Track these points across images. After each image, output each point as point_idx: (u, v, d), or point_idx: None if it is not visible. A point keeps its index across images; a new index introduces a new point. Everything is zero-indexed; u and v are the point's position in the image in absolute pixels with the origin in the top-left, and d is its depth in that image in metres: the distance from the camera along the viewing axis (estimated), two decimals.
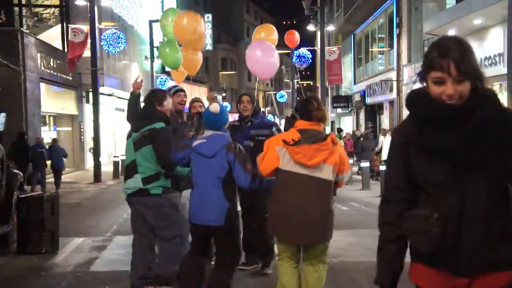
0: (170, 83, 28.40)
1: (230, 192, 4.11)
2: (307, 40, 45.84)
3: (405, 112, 9.51)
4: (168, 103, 4.74)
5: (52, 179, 14.82)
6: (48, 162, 14.57)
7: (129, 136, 4.71)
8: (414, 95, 2.03)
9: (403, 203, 2.01)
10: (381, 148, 16.73)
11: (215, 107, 4.21)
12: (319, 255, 4.03)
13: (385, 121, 23.02)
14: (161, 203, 4.49)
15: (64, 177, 16.16)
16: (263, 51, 5.03)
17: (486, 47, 14.07)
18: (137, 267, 4.61)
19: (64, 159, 15.18)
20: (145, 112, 4.75)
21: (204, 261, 4.38)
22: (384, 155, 16.50)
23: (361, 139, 18.23)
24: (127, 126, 5.12)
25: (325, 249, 4.06)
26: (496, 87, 14.52)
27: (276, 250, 4.13)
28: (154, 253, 4.74)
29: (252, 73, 4.85)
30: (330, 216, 3.94)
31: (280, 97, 47.23)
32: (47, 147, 14.70)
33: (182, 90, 5.60)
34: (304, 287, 4.03)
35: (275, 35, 6.12)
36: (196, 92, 32.16)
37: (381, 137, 17.26)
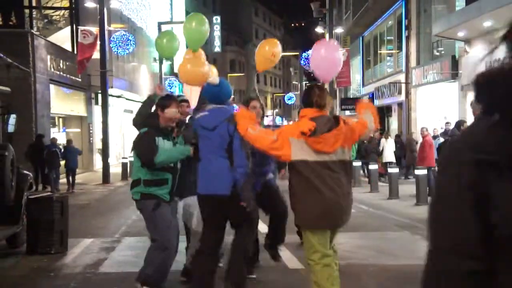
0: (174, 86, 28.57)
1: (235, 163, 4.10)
2: (316, 42, 45.74)
3: (414, 115, 9.30)
4: (170, 111, 4.65)
5: (64, 179, 15.42)
6: (62, 162, 15.31)
7: None
8: (498, 78, 1.10)
9: (475, 278, 1.02)
10: (382, 150, 16.77)
11: (214, 79, 4.25)
12: (334, 242, 4.15)
13: (393, 124, 22.95)
14: (140, 208, 4.71)
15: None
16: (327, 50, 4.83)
17: (496, 49, 13.99)
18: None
19: (78, 156, 16.15)
20: (145, 118, 4.91)
21: (216, 257, 4.39)
22: (385, 158, 16.49)
23: (365, 142, 18.24)
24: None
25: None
26: None
27: (309, 255, 3.96)
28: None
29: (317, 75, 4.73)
30: (351, 195, 4.12)
31: (289, 99, 47.28)
32: (61, 147, 15.57)
33: (186, 101, 5.41)
34: None
35: (279, 48, 6.03)
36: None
37: (382, 140, 17.23)
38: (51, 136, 16.73)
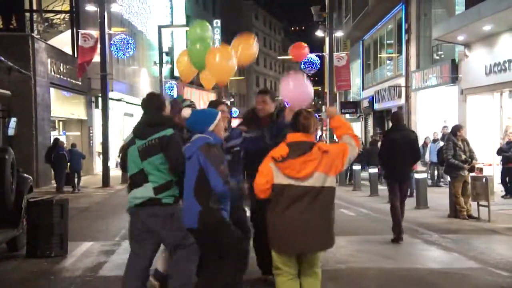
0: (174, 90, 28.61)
1: (201, 195, 4.03)
2: (316, 46, 45.85)
3: (414, 118, 9.41)
4: (167, 108, 4.65)
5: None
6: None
7: (131, 143, 4.44)
8: None
9: None
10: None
11: (184, 112, 4.39)
12: (315, 263, 4.06)
13: None
14: (172, 213, 4.31)
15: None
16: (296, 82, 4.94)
17: (496, 53, 14.01)
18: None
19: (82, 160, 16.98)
20: (153, 119, 4.46)
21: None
22: None
23: (367, 145, 18.36)
24: None
25: (319, 257, 4.10)
26: (505, 93, 14.47)
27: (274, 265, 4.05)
28: (148, 272, 4.52)
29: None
30: (327, 222, 3.94)
31: (288, 105, 47.12)
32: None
33: (194, 105, 5.24)
34: None
35: (255, 48, 5.96)
36: (204, 97, 32.22)
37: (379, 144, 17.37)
38: (58, 140, 17.01)
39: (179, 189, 4.37)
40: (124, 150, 4.52)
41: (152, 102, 4.55)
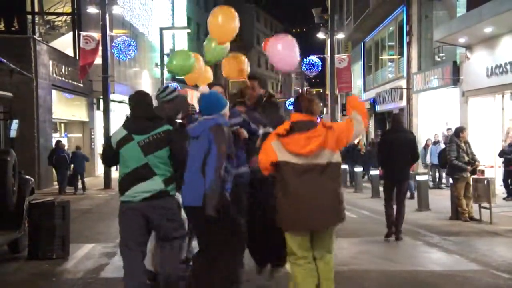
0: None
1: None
2: (317, 47, 45.85)
3: (415, 120, 9.50)
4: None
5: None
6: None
7: (127, 139, 4.41)
8: None
9: None
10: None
11: (203, 88, 4.34)
12: (328, 244, 4.07)
13: None
14: (173, 204, 4.45)
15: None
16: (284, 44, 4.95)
17: (497, 55, 14.01)
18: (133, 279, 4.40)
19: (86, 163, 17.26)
20: (151, 114, 4.51)
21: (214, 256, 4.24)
22: None
23: (368, 146, 18.40)
24: None
25: (332, 236, 4.11)
26: (507, 95, 14.45)
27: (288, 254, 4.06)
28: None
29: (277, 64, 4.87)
30: (340, 198, 3.98)
31: (290, 104, 47.20)
32: (69, 152, 16.65)
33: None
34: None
35: (236, 23, 5.97)
36: None
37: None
38: (60, 142, 17.14)
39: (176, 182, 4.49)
40: (117, 148, 4.47)
41: (145, 98, 4.61)
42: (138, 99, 4.59)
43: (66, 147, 17.32)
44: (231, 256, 4.18)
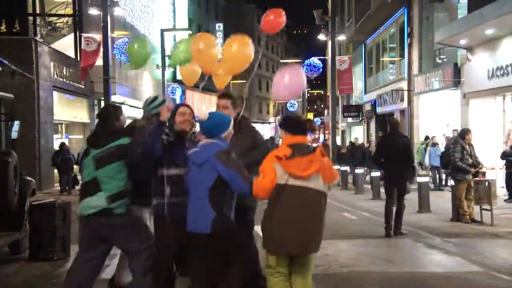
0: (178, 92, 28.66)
1: (217, 202, 3.95)
2: (318, 49, 45.89)
3: (416, 122, 9.60)
4: (124, 117, 4.67)
5: None
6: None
7: (86, 153, 4.46)
8: None
9: None
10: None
11: (204, 115, 4.09)
12: (309, 265, 4.13)
13: None
14: (124, 222, 4.36)
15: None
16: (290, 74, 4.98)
17: (498, 57, 14.01)
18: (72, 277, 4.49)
19: None
20: (107, 128, 4.48)
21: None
22: None
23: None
24: None
25: (311, 265, 4.18)
26: (508, 97, 14.45)
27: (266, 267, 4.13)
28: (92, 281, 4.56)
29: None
30: (321, 227, 4.05)
31: (291, 106, 47.26)
32: (75, 154, 16.82)
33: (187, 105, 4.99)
34: None
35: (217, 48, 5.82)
36: (206, 101, 32.28)
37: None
38: (64, 144, 17.57)
39: (140, 196, 4.50)
40: (81, 159, 4.60)
41: (106, 112, 4.63)
42: (101, 113, 4.67)
43: (68, 149, 17.41)
44: (231, 282, 4.08)
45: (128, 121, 4.98)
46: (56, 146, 18.55)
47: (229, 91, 4.96)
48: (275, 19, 5.80)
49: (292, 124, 4.14)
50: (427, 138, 17.50)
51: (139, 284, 4.39)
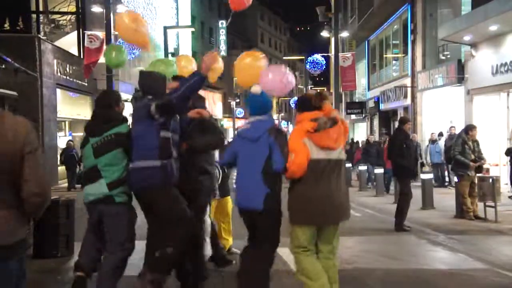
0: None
1: (270, 178, 4.12)
2: (321, 46, 45.87)
3: (420, 119, 9.65)
4: (123, 104, 4.69)
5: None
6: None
7: (86, 141, 4.52)
8: None
9: None
10: None
11: (256, 88, 4.28)
12: (335, 238, 4.25)
13: None
14: (123, 212, 4.41)
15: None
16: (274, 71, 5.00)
17: (502, 54, 13.96)
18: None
19: None
20: (105, 116, 4.49)
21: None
22: None
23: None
24: None
25: (338, 235, 4.29)
26: None
27: (291, 246, 4.25)
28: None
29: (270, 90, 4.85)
30: (348, 196, 4.26)
31: (294, 102, 47.19)
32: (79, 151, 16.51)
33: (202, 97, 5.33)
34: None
35: (193, 65, 5.98)
36: (209, 98, 32.28)
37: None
38: (68, 142, 17.96)
39: None
40: (81, 148, 4.66)
41: (104, 99, 4.64)
42: (96, 101, 4.73)
43: (71, 146, 17.67)
44: (274, 249, 4.37)
45: (131, 118, 4.98)
46: (60, 144, 18.67)
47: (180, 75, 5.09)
48: None
49: (305, 101, 4.24)
50: (441, 134, 17.22)
51: (104, 285, 4.43)
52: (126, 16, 5.61)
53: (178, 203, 4.29)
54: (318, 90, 4.64)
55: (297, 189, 4.09)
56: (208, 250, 5.73)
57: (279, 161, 4.06)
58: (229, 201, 6.47)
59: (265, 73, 4.76)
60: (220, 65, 5.78)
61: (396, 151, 8.76)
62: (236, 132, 4.51)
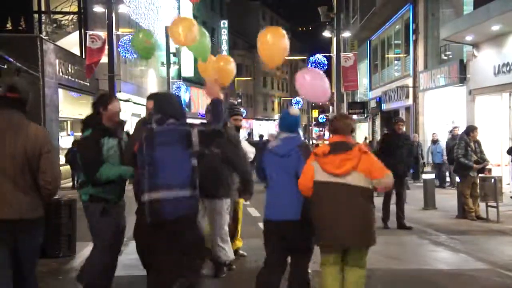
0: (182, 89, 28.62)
1: None
2: (323, 46, 45.81)
3: (421, 119, 9.66)
4: (114, 106, 4.64)
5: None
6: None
7: None
8: None
9: None
10: None
11: (295, 110, 4.67)
12: (358, 259, 4.29)
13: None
14: (86, 209, 4.63)
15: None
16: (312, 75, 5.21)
17: (504, 54, 13.93)
18: None
19: None
20: (84, 119, 4.83)
21: (280, 276, 4.45)
22: None
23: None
24: None
25: (364, 255, 4.32)
26: None
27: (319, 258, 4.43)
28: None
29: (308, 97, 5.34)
30: (370, 221, 4.22)
31: (296, 103, 47.18)
32: None
33: (240, 114, 5.84)
34: None
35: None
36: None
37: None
38: (73, 141, 18.26)
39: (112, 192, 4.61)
40: None
41: (92, 102, 4.81)
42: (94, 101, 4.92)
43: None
44: (307, 262, 4.53)
45: (133, 118, 5.01)
46: (62, 144, 18.74)
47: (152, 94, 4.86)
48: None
49: (330, 123, 4.49)
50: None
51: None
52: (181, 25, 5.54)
53: (201, 233, 4.37)
54: (340, 114, 4.92)
55: (313, 212, 4.26)
56: (230, 254, 5.81)
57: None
58: (241, 202, 6.47)
59: (306, 81, 5.01)
60: (232, 66, 5.78)
61: (381, 150, 8.93)
62: (267, 147, 4.67)
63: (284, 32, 5.56)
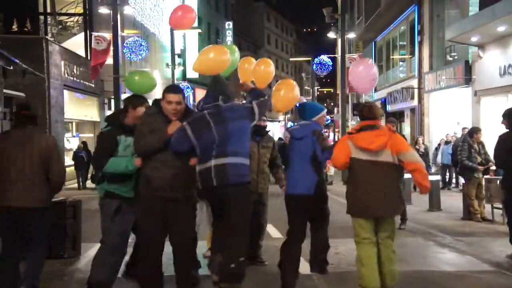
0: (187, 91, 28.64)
1: (318, 168, 4.98)
2: (328, 47, 45.81)
3: (426, 120, 9.65)
4: (141, 110, 4.68)
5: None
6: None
7: None
8: None
9: None
10: None
11: (301, 99, 5.48)
12: (390, 231, 4.79)
13: (406, 129, 22.84)
14: (101, 205, 5.08)
15: (87, 183, 17.56)
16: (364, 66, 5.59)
17: (510, 55, 13.89)
18: None
19: None
20: (107, 117, 5.25)
21: (300, 244, 5.00)
22: None
23: None
24: None
25: (394, 226, 4.88)
26: None
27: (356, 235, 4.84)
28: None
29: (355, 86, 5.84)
30: (397, 193, 4.77)
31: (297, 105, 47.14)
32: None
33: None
34: (380, 263, 4.72)
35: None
36: None
37: None
38: (79, 143, 18.82)
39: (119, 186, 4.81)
40: None
41: (127, 98, 5.11)
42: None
43: (80, 147, 18.48)
44: (326, 225, 5.21)
45: None
46: (67, 145, 18.81)
47: (178, 85, 5.43)
48: (183, 15, 6.18)
49: (359, 111, 4.98)
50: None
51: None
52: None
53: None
54: (367, 103, 5.31)
55: (349, 186, 4.87)
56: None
57: (320, 155, 4.90)
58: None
59: (357, 70, 5.40)
60: (271, 69, 5.78)
61: None
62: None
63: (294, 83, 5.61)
